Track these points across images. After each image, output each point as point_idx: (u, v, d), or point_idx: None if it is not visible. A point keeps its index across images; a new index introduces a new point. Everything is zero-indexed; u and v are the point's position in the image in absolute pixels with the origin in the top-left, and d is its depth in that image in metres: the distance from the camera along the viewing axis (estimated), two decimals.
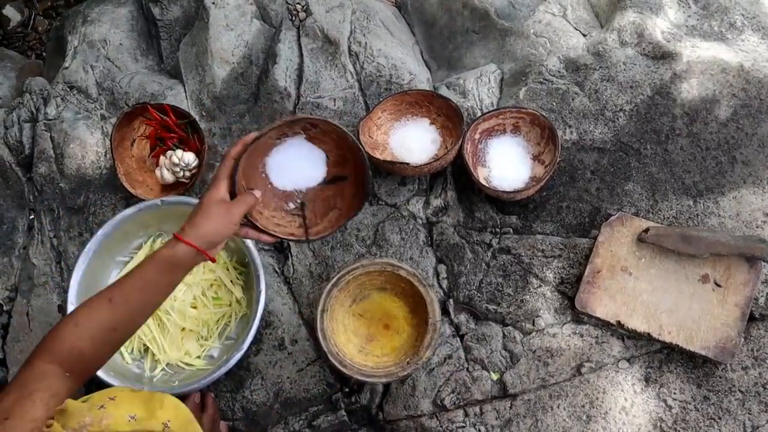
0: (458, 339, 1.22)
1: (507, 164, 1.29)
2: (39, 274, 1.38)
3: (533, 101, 1.35)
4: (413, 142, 1.33)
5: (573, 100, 1.33)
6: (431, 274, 1.28)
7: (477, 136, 1.31)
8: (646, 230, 1.18)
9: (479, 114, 1.37)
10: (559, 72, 1.36)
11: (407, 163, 1.26)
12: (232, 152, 0.91)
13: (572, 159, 1.30)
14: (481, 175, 1.29)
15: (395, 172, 1.31)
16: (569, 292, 1.21)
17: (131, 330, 0.86)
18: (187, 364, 1.28)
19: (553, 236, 1.26)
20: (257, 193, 0.94)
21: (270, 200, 1.00)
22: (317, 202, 1.02)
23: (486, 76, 1.41)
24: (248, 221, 0.94)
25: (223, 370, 1.18)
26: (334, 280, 1.14)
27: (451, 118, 1.33)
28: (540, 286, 1.22)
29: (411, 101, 1.35)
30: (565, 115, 1.33)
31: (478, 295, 1.24)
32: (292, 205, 1.02)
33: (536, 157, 1.29)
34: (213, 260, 0.88)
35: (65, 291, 1.29)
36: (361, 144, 0.92)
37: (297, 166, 1.00)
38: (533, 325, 1.20)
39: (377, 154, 1.31)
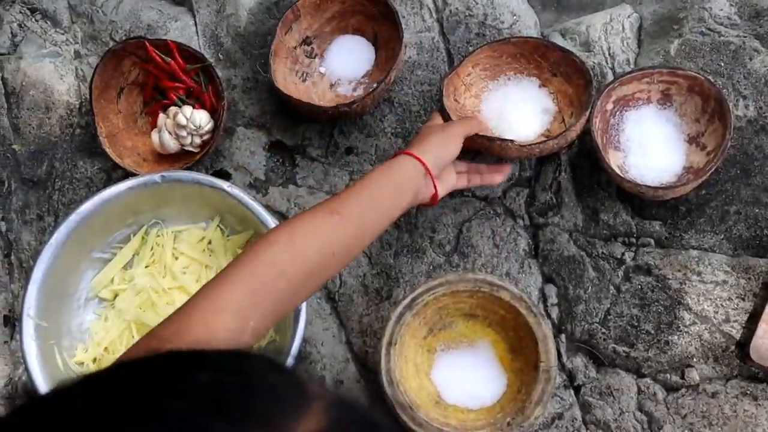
0: (572, 391, 0.99)
1: (651, 148, 1.01)
2: None
3: (691, 60, 1.05)
4: (517, 111, 1.04)
5: (751, 60, 1.04)
6: (536, 297, 1.02)
7: (609, 107, 1.01)
8: None
9: (610, 74, 1.07)
10: (729, 19, 1.06)
11: (511, 140, 0.97)
12: None
13: (747, 144, 1.02)
14: (613, 161, 1.00)
15: (491, 152, 1.02)
16: (738, 335, 0.96)
17: (349, 259, 0.80)
18: None
19: (716, 253, 1.00)
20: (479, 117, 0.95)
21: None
22: None
23: (618, 22, 1.11)
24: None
25: None
26: (408, 300, 0.93)
27: (570, 80, 1.03)
28: (694, 323, 0.97)
29: (514, 53, 1.05)
30: (737, 81, 1.04)
31: (603, 330, 1.00)
32: None
33: (694, 140, 1.01)
34: (435, 201, 0.88)
35: (16, 296, 1.06)
36: None
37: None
38: (683, 378, 0.98)
39: None
